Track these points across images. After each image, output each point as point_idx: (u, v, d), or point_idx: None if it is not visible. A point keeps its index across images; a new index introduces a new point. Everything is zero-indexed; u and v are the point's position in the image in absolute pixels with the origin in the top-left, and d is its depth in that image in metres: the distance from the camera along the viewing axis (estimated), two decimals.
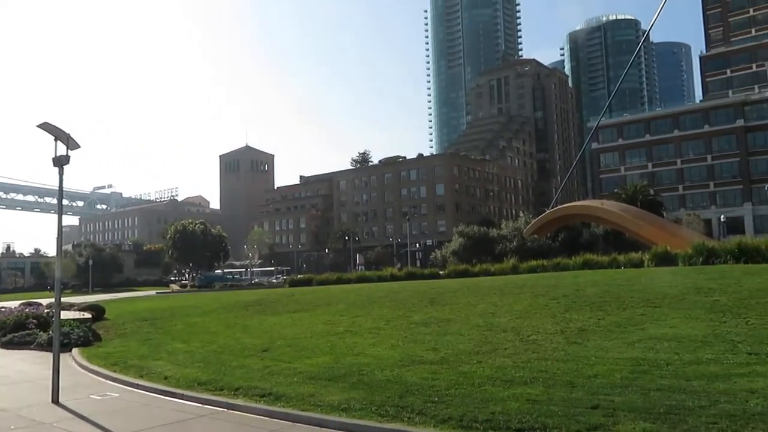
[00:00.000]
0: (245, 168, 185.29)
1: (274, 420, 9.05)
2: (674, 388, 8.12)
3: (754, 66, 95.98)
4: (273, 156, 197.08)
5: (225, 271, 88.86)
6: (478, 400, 8.50)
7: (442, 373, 10.27)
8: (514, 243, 51.91)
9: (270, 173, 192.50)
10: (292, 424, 8.78)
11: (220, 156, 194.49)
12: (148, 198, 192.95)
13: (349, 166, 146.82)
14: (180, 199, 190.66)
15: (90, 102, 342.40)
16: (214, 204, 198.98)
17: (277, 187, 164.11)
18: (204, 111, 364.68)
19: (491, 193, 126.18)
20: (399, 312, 17.84)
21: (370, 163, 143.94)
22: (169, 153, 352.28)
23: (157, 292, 54.33)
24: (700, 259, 24.12)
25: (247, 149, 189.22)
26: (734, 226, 78.67)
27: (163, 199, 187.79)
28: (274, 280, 70.39)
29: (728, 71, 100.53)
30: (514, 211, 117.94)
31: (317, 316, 19.30)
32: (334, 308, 20.42)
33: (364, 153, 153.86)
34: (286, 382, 10.74)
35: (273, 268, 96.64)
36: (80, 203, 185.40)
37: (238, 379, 11.46)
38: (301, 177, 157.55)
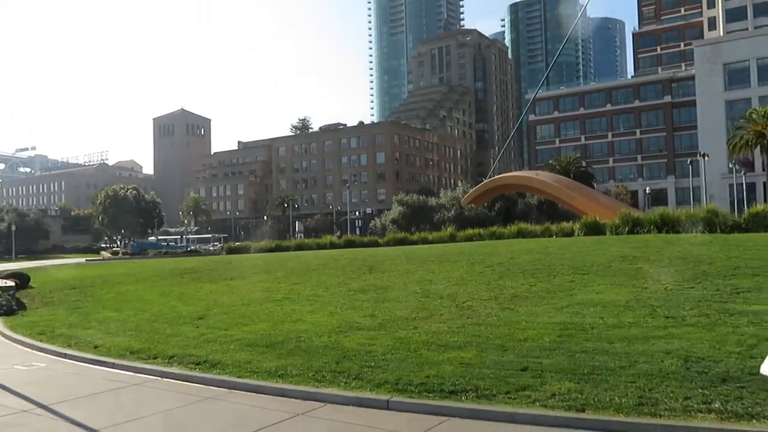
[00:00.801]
0: (180, 132, 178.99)
1: (210, 387, 8.99)
2: (598, 350, 8.56)
3: (682, 44, 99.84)
4: (210, 120, 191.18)
5: (159, 238, 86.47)
6: (413, 364, 8.70)
7: (380, 338, 10.43)
8: (453, 212, 52.79)
9: (207, 138, 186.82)
10: (229, 390, 8.75)
11: (153, 119, 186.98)
12: (75, 162, 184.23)
13: (289, 133, 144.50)
14: (111, 163, 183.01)
15: (13, 58, 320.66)
16: (148, 169, 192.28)
17: (215, 153, 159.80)
18: (137, 73, 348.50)
19: (431, 162, 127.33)
20: (338, 279, 17.92)
21: (311, 130, 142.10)
22: (99, 115, 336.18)
23: (86, 260, 52.30)
24: (626, 228, 25.27)
25: (183, 113, 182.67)
26: (658, 197, 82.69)
27: (92, 163, 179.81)
28: (211, 248, 69.07)
29: (658, 48, 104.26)
30: (453, 181, 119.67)
31: (255, 283, 19.13)
32: (272, 276, 20.28)
33: (304, 119, 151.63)
34: (223, 350, 10.65)
35: (210, 236, 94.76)
36: (1, 166, 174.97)
37: (173, 347, 11.27)
38: (239, 142, 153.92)
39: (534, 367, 8.01)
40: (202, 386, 9.08)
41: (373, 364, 8.89)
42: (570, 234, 27.94)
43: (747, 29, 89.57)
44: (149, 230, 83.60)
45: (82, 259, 53.44)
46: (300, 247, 37.58)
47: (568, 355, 8.48)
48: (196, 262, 30.14)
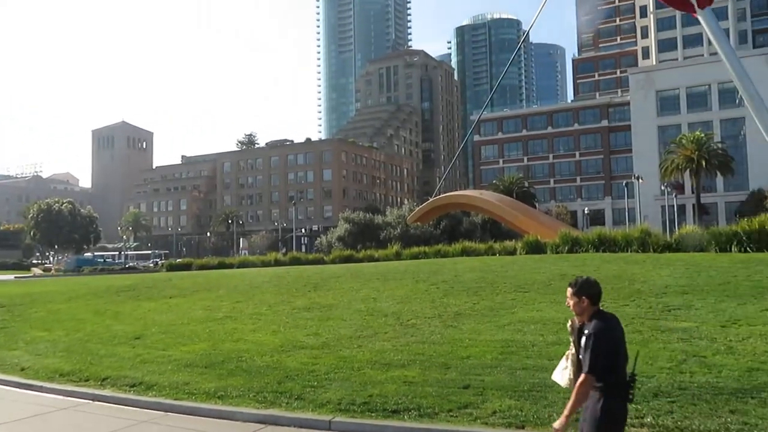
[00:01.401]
0: (121, 145, 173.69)
1: (145, 410, 8.65)
2: (538, 367, 8.72)
3: (618, 71, 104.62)
4: (152, 134, 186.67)
5: (96, 254, 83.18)
6: (356, 383, 8.63)
7: (323, 357, 10.31)
8: (399, 230, 53.08)
9: (149, 152, 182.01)
10: (165, 413, 8.44)
11: (92, 131, 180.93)
12: (6, 174, 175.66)
13: (234, 148, 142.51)
14: (45, 176, 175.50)
15: None
16: (85, 182, 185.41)
17: (157, 167, 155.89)
18: (75, 84, 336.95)
19: (378, 181, 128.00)
20: (282, 297, 17.66)
21: (257, 146, 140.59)
22: (33, 126, 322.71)
23: (15, 277, 49.71)
24: (566, 247, 25.98)
25: (124, 125, 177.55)
26: (596, 217, 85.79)
27: (24, 175, 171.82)
28: (151, 264, 66.93)
29: (596, 75, 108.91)
30: (399, 199, 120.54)
31: (196, 301, 18.62)
32: (214, 294, 19.80)
33: (250, 135, 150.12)
34: (160, 371, 10.29)
35: (150, 252, 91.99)
36: None
37: (107, 368, 10.81)
38: (182, 157, 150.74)
39: (476, 385, 8.09)
40: (137, 409, 8.73)
41: (315, 383, 8.78)
42: (512, 252, 28.49)
43: (677, 59, 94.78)
44: (85, 246, 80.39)
45: (10, 276, 50.74)
46: (244, 265, 36.87)
47: (509, 372, 8.61)
48: (135, 279, 29.11)
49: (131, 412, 8.67)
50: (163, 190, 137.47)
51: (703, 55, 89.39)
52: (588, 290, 4.49)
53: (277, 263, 35.75)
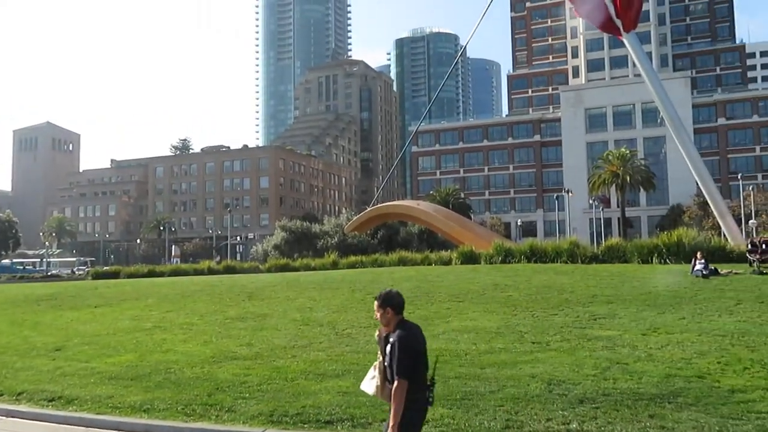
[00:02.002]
0: (45, 146, 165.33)
1: (65, 426, 8.21)
2: (470, 375, 8.86)
3: (550, 89, 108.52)
4: (79, 136, 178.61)
5: (14, 261, 78.69)
6: (290, 394, 8.51)
7: (256, 368, 10.11)
8: (336, 239, 52.92)
9: (75, 154, 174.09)
10: (86, 429, 8.04)
11: (14, 131, 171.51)
12: None
13: (168, 153, 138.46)
14: None
15: None
16: (5, 185, 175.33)
17: (84, 170, 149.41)
18: None
19: (316, 189, 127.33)
20: (214, 307, 17.24)
21: (192, 151, 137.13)
22: None
23: None
24: (500, 258, 26.67)
25: (48, 126, 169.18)
26: (529, 229, 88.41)
27: None
28: (76, 272, 63.92)
29: (530, 91, 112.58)
30: (337, 208, 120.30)
31: (123, 311, 17.90)
32: (143, 303, 19.10)
33: (185, 140, 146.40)
34: (81, 384, 9.80)
35: (74, 259, 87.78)
36: None
37: (23, 382, 10.20)
38: (112, 161, 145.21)
39: None
40: (56, 425, 8.28)
41: (247, 395, 8.59)
42: (448, 262, 28.97)
43: (605, 79, 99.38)
44: (3, 252, 75.89)
45: None
46: (175, 273, 35.79)
47: (442, 381, 8.68)
48: (57, 287, 27.69)
49: (49, 428, 8.21)
50: (90, 195, 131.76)
51: (628, 76, 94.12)
52: (391, 302, 4.78)
53: (211, 272, 34.94)
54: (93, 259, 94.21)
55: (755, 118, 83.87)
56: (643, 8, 35.86)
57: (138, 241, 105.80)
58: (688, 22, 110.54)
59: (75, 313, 18.30)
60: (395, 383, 4.54)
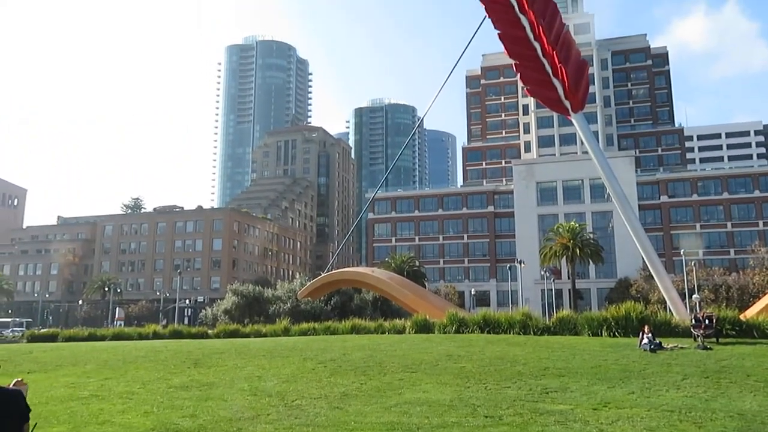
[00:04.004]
0: None
1: None
2: None
3: (503, 162, 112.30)
4: (25, 191, 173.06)
5: None
6: None
7: None
8: (289, 304, 51.99)
9: (20, 210, 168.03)
10: None
11: None
12: None
13: (119, 212, 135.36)
14: None
15: None
16: None
17: (27, 226, 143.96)
18: None
19: (270, 253, 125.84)
20: (158, 374, 16.48)
21: (144, 210, 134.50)
22: None
23: None
24: (453, 328, 26.63)
25: None
26: (482, 298, 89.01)
27: None
28: (10, 334, 60.43)
29: (484, 163, 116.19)
30: (291, 272, 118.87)
31: (58, 377, 16.91)
32: (80, 369, 18.12)
33: (137, 199, 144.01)
34: None
35: (9, 320, 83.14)
36: None
37: None
38: (59, 217, 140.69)
39: None
40: None
41: None
42: (402, 331, 28.73)
43: (555, 154, 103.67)
44: None
45: None
46: (118, 337, 34.29)
47: None
48: None
49: None
50: (32, 252, 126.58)
51: (577, 153, 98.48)
52: None
53: (156, 336, 33.68)
54: (30, 320, 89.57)
55: (694, 197, 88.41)
56: (590, 91, 38.06)
57: (80, 302, 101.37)
58: (631, 105, 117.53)
59: (5, 379, 17.13)
60: None
